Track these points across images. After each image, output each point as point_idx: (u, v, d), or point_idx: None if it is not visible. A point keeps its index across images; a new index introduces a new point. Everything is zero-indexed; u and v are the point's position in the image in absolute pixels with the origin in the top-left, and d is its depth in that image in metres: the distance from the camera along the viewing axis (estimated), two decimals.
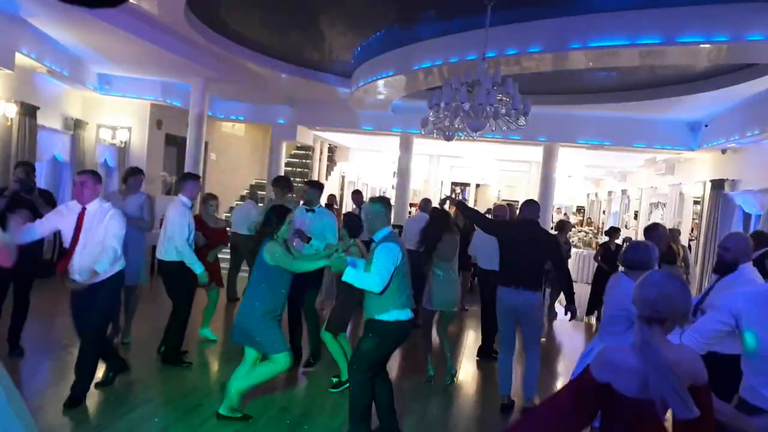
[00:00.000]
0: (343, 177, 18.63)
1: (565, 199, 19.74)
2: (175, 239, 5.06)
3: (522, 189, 18.95)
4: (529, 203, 5.15)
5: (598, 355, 1.97)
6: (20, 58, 7.40)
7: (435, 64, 7.65)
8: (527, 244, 4.81)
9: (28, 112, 7.97)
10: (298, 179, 15.67)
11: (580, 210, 20.96)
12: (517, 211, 6.49)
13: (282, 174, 13.06)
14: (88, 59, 9.33)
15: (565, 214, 19.70)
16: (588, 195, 20.59)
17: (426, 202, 8.78)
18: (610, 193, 18.15)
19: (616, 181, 17.34)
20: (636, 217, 15.15)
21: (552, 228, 12.59)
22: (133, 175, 5.71)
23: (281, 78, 10.41)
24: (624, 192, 16.60)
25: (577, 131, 11.43)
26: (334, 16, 7.79)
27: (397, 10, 7.33)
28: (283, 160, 13.80)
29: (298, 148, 16.19)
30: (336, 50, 9.23)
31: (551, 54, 6.68)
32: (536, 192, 12.63)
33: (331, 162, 17.48)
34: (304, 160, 16.12)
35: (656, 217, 13.38)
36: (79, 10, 6.69)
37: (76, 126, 9.83)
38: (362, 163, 19.20)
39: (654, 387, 1.80)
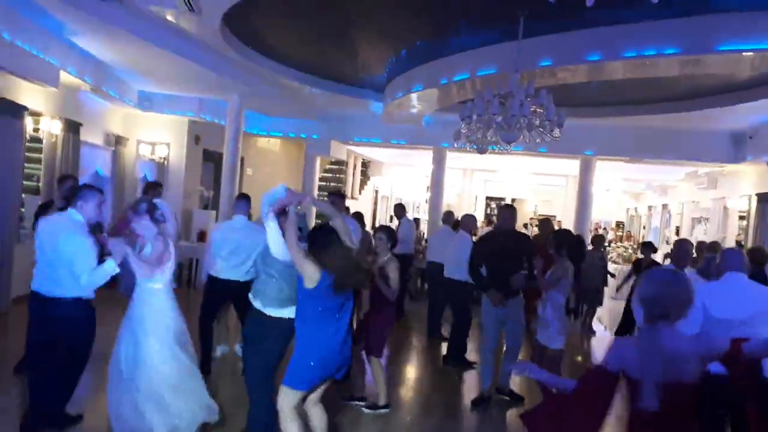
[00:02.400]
0: (376, 191, 18.67)
1: (604, 213, 19.32)
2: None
3: (558, 204, 18.63)
4: (504, 209, 5.58)
5: (609, 349, 2.33)
6: (65, 76, 7.67)
7: (468, 76, 7.62)
8: (506, 253, 5.14)
9: (72, 128, 8.24)
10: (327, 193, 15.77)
11: (619, 225, 20.47)
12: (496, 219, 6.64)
13: (315, 188, 13.18)
14: (129, 77, 9.61)
15: (605, 229, 19.27)
16: (627, 210, 20.11)
17: (448, 215, 8.67)
18: (650, 207, 17.69)
19: (656, 195, 16.90)
20: (678, 232, 14.70)
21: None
22: (152, 189, 5.84)
23: (315, 93, 10.52)
24: (665, 207, 16.15)
25: (615, 143, 11.19)
26: (367, 31, 7.85)
27: (429, 23, 7.34)
28: (317, 174, 13.91)
29: (332, 163, 16.32)
30: (369, 64, 9.29)
31: (586, 65, 6.58)
32: (573, 207, 12.38)
33: (365, 176, 17.54)
34: (337, 175, 16.23)
35: (699, 233, 12.96)
36: (119, 27, 6.92)
37: (117, 142, 10.12)
38: (396, 178, 19.21)
39: (640, 370, 2.15)
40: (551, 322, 4.65)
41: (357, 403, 4.94)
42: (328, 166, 16.43)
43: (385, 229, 5.23)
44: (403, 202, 21.08)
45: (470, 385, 5.94)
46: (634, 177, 15.57)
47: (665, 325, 2.19)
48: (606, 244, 13.91)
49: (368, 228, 14.49)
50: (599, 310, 9.44)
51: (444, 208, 12.99)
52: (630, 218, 19.91)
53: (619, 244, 16.38)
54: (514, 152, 8.83)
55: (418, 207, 20.26)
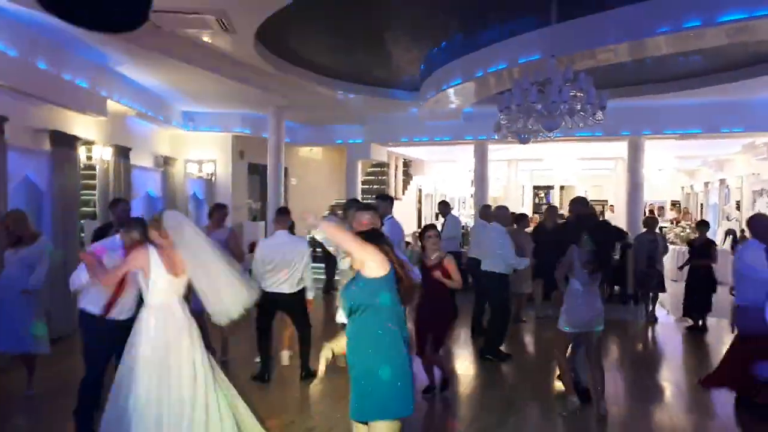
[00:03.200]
0: (420, 190, 18.60)
1: (657, 194, 18.64)
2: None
3: (609, 188, 18.09)
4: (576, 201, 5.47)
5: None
6: (112, 105, 7.98)
7: (504, 66, 7.50)
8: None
9: (122, 153, 8.56)
10: (375, 196, 15.83)
11: (675, 204, 19.72)
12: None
13: (359, 192, 13.26)
14: (173, 99, 9.92)
15: (661, 208, 18.59)
16: (683, 188, 19.34)
17: (485, 208, 8.49)
18: (706, 184, 16.95)
19: (712, 171, 16.17)
20: (738, 207, 14.03)
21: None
22: (217, 211, 5.97)
23: (351, 99, 10.59)
24: (722, 182, 15.44)
25: (663, 121, 10.79)
26: (398, 33, 7.84)
27: (459, 18, 7.27)
28: (360, 178, 13.98)
29: (373, 166, 16.37)
30: (402, 65, 9.27)
31: (627, 43, 6.37)
32: (624, 190, 12.01)
33: (407, 176, 17.52)
34: (380, 177, 16.26)
35: (761, 206, 12.33)
36: (159, 54, 7.14)
37: (165, 163, 10.45)
38: (438, 175, 19.10)
39: None
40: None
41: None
42: (369, 169, 16.49)
43: (434, 227, 5.25)
44: (447, 199, 20.97)
45: (519, 378, 5.83)
46: (688, 154, 14.95)
47: None
48: (662, 225, 13.39)
49: (414, 227, 14.49)
50: (662, 295, 9.08)
51: (490, 202, 12.84)
52: (686, 196, 19.14)
53: (674, 224, 15.78)
54: (558, 139, 8.64)
55: (464, 202, 20.06)
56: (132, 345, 3.45)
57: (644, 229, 8.89)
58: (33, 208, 7.01)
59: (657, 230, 8.91)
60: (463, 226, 10.73)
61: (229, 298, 3.48)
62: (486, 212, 8.25)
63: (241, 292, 3.50)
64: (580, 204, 5.54)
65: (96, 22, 1.01)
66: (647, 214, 12.87)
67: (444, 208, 9.40)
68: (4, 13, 5.39)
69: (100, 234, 5.35)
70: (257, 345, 5.59)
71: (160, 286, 3.49)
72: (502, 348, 6.49)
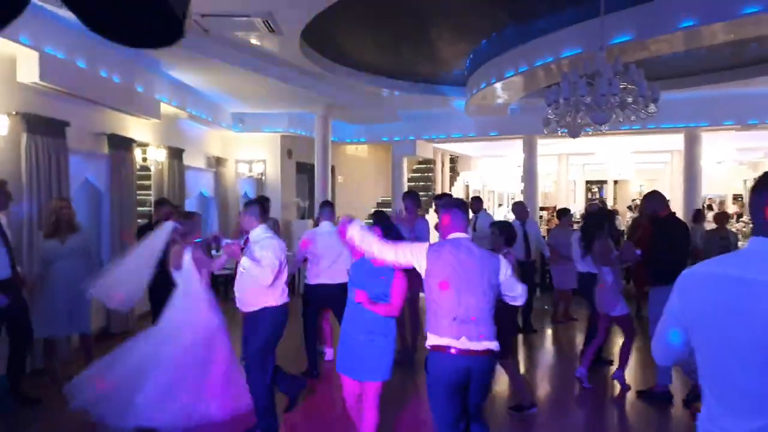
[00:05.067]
0: (467, 186, 18.45)
1: (717, 188, 17.85)
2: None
3: (665, 182, 17.45)
4: (653, 195, 5.18)
5: None
6: (165, 108, 8.26)
7: (551, 60, 7.34)
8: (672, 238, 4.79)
9: (176, 154, 8.84)
10: (422, 193, 15.81)
11: (737, 199, 18.83)
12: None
13: (405, 188, 13.26)
14: (223, 101, 10.18)
15: (721, 202, 17.80)
16: (745, 182, 18.45)
17: (517, 205, 8.26)
18: None
19: None
20: None
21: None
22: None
23: (397, 96, 10.59)
24: None
25: (722, 112, 10.32)
26: (443, 28, 7.78)
27: (505, 10, 7.15)
28: (406, 175, 13.98)
29: (419, 163, 16.34)
30: (448, 60, 9.20)
31: (682, 32, 6.11)
32: (680, 184, 11.56)
33: (454, 172, 17.41)
34: (426, 174, 16.22)
35: None
36: (209, 56, 7.34)
37: (217, 163, 10.73)
38: (486, 171, 18.88)
39: None
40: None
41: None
42: (416, 166, 16.47)
43: (498, 223, 5.09)
44: (494, 195, 20.71)
45: (598, 381, 5.70)
46: (749, 145, 14.25)
47: None
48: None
49: None
50: None
51: (540, 197, 12.60)
52: (748, 190, 18.25)
53: (737, 219, 15.06)
54: (610, 132, 8.38)
55: (512, 198, 19.77)
56: None
57: (714, 225, 8.51)
58: (93, 209, 7.34)
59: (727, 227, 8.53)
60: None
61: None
62: (517, 209, 8.07)
63: None
64: (654, 201, 5.18)
65: (138, 40, 1.05)
66: (706, 209, 12.34)
67: (476, 204, 9.08)
68: (66, 23, 5.66)
69: (142, 232, 5.57)
70: (305, 340, 5.68)
71: None
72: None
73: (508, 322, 4.75)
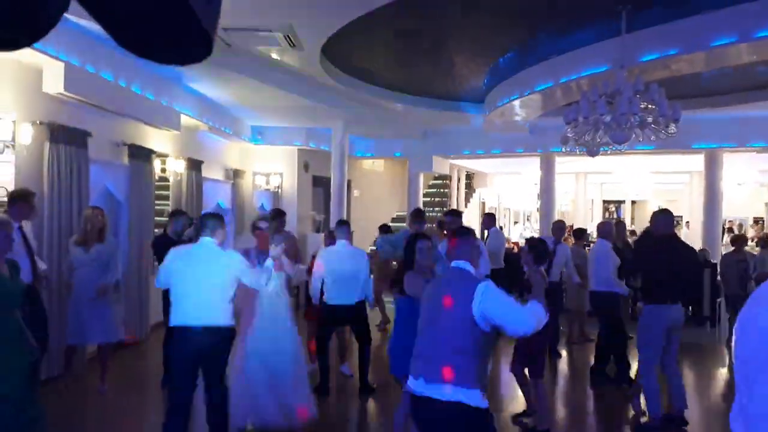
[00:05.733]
0: (483, 203, 18.38)
1: (737, 210, 17.58)
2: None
3: (684, 203, 17.23)
4: (661, 214, 4.99)
5: None
6: (185, 119, 8.36)
7: (571, 78, 7.31)
8: (673, 259, 4.67)
9: (195, 166, 8.93)
10: (437, 209, 15.78)
11: (758, 222, 18.53)
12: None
13: (419, 206, 13.25)
14: (242, 114, 10.28)
15: (740, 225, 17.53)
16: (767, 204, 18.16)
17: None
18: None
19: None
20: None
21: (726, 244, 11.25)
22: (278, 218, 6.13)
23: (414, 112, 10.62)
24: None
25: (743, 133, 10.20)
26: (462, 45, 7.81)
27: (524, 27, 7.16)
28: (422, 191, 13.96)
29: (435, 178, 16.32)
30: (466, 77, 9.22)
31: (703, 53, 6.06)
32: (700, 205, 11.41)
33: (470, 189, 17.37)
34: (442, 190, 16.20)
35: None
36: (231, 70, 7.42)
37: (235, 175, 10.82)
38: (502, 188, 18.81)
39: None
40: None
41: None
42: (431, 182, 16.46)
43: (530, 240, 5.09)
44: (510, 212, 20.60)
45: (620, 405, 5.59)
46: None
47: None
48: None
49: None
50: None
51: (557, 216, 12.50)
52: None
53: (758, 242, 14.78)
54: (629, 151, 8.32)
55: (528, 216, 19.65)
56: None
57: (732, 248, 8.36)
58: (112, 217, 7.41)
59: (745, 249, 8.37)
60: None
61: None
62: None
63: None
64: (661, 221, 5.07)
65: (168, 57, 1.06)
66: (727, 231, 12.16)
67: (488, 221, 8.82)
68: (91, 35, 5.76)
69: (159, 245, 5.59)
70: (317, 358, 5.65)
71: None
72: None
73: (538, 343, 4.67)
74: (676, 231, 7.54)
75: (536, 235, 9.03)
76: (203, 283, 3.73)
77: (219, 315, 3.74)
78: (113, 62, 6.45)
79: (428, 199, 15.47)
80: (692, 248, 5.20)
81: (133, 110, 7.07)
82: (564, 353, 7.60)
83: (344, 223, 5.87)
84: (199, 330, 3.69)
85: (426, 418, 2.57)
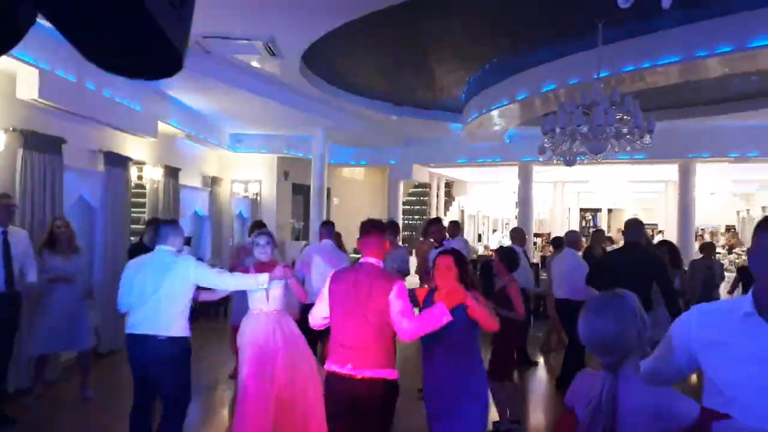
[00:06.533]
0: (462, 211, 18.49)
1: (710, 218, 17.95)
2: None
3: (660, 211, 17.54)
4: (630, 224, 5.15)
5: (574, 379, 1.87)
6: (162, 126, 8.26)
7: (549, 89, 7.41)
8: (632, 269, 4.72)
9: (172, 173, 8.82)
10: (416, 217, 15.82)
11: (729, 230, 18.93)
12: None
13: (399, 214, 13.27)
14: (221, 121, 10.21)
15: (712, 233, 17.88)
16: (738, 213, 18.58)
17: (518, 232, 8.02)
18: (764, 208, 16.25)
19: None
20: None
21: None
22: (257, 228, 6.10)
23: (395, 120, 10.65)
24: None
25: (716, 144, 10.43)
26: (443, 54, 7.86)
27: (504, 39, 7.25)
28: (401, 199, 13.99)
29: (415, 187, 16.38)
30: (446, 87, 9.28)
31: (677, 65, 6.19)
32: (675, 214, 11.62)
33: (449, 197, 17.45)
34: (421, 198, 16.26)
35: None
36: (209, 77, 7.37)
37: (213, 183, 10.72)
38: (481, 196, 18.95)
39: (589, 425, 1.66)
40: None
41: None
42: (411, 190, 16.50)
43: (499, 249, 5.15)
44: (489, 220, 20.74)
45: None
46: (743, 177, 14.39)
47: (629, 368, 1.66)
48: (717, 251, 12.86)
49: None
50: None
51: (535, 224, 12.64)
52: (741, 221, 18.37)
53: (730, 250, 15.11)
54: (605, 161, 8.44)
55: (507, 224, 19.80)
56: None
57: (700, 255, 8.52)
58: (86, 225, 7.29)
59: (713, 257, 8.52)
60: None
61: None
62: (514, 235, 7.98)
63: None
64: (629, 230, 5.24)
65: (136, 72, 1.05)
66: (699, 240, 12.40)
67: (453, 229, 8.40)
68: (66, 40, 5.68)
69: (135, 253, 5.53)
70: None
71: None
72: None
73: (504, 347, 4.72)
74: (649, 239, 7.68)
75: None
76: (152, 293, 3.65)
77: (167, 326, 3.64)
78: (89, 69, 6.26)
79: (408, 207, 15.51)
80: (652, 254, 5.32)
81: (109, 117, 6.97)
82: (541, 360, 7.64)
83: (329, 224, 5.87)
84: (143, 339, 3.64)
85: (362, 395, 2.93)
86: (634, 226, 5.08)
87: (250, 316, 4.07)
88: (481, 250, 14.53)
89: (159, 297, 3.64)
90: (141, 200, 8.62)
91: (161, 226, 3.95)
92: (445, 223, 8.03)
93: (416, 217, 15.94)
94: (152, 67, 0.98)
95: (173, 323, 3.66)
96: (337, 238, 6.48)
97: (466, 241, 8.65)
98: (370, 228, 3.13)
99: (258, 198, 11.98)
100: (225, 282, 3.96)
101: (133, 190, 8.02)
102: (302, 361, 4.03)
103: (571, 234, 6.95)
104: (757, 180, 14.86)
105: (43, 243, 5.22)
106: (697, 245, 12.02)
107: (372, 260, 3.07)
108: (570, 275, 6.25)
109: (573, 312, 6.37)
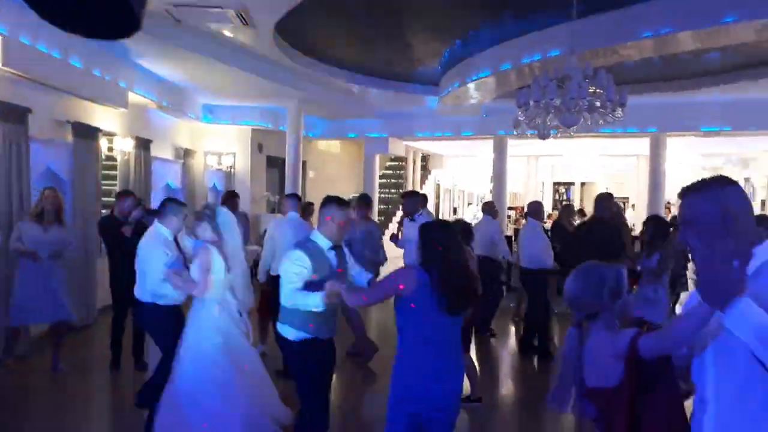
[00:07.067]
0: (438, 185, 18.56)
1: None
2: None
3: (632, 185, 17.86)
4: (597, 199, 5.42)
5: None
6: (133, 97, 8.08)
7: (524, 62, 7.42)
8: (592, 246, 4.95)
9: (143, 145, 8.66)
10: (393, 190, 15.85)
11: None
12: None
13: (375, 188, 13.28)
14: (193, 92, 10.01)
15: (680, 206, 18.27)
16: None
17: (490, 205, 7.93)
18: None
19: (737, 169, 15.88)
20: (763, 206, 13.78)
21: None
22: (230, 199, 6.06)
23: (371, 93, 10.57)
24: (747, 180, 15.15)
25: (687, 118, 10.60)
26: (419, 27, 7.80)
27: (481, 12, 7.21)
28: (378, 173, 13.97)
29: (391, 160, 16.37)
30: (422, 60, 9.23)
31: (651, 39, 6.24)
32: (646, 187, 11.85)
33: (425, 171, 17.49)
34: (398, 171, 16.27)
35: None
36: (180, 47, 7.20)
37: (185, 155, 10.55)
38: (457, 170, 19.04)
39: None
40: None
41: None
42: (388, 164, 16.50)
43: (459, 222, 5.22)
44: (464, 194, 20.87)
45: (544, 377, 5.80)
46: (712, 151, 14.71)
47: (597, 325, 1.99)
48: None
49: None
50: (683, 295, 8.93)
51: (509, 198, 12.76)
52: None
53: None
54: (578, 135, 8.53)
55: (482, 198, 19.96)
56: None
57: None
58: None
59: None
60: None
61: (242, 294, 3.88)
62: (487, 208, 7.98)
63: (249, 290, 3.99)
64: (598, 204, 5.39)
65: (94, 31, 1.04)
66: (667, 212, 12.69)
67: (411, 203, 8.08)
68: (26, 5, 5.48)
69: (105, 226, 5.48)
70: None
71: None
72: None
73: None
74: (620, 211, 7.83)
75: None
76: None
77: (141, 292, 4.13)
78: (56, 36, 6.15)
79: (384, 180, 15.52)
80: (612, 227, 5.50)
81: (78, 87, 6.78)
82: (513, 329, 7.80)
83: (293, 196, 5.81)
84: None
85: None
86: (600, 201, 5.23)
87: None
88: None
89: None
90: (112, 173, 8.46)
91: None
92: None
93: (393, 190, 15.97)
94: (108, 26, 0.97)
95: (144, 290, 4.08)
96: (309, 210, 6.47)
97: (430, 213, 8.70)
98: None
99: (232, 171, 11.85)
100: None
101: (103, 162, 7.86)
102: None
103: (531, 204, 6.98)
104: (724, 154, 15.19)
105: (35, 214, 5.18)
106: (668, 218, 12.29)
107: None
108: (528, 245, 6.45)
109: (533, 280, 6.60)
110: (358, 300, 2.96)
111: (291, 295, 3.05)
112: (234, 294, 3.83)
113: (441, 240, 2.71)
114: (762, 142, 12.62)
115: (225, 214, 3.80)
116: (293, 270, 3.06)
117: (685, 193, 1.64)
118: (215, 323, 3.66)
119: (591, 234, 5.33)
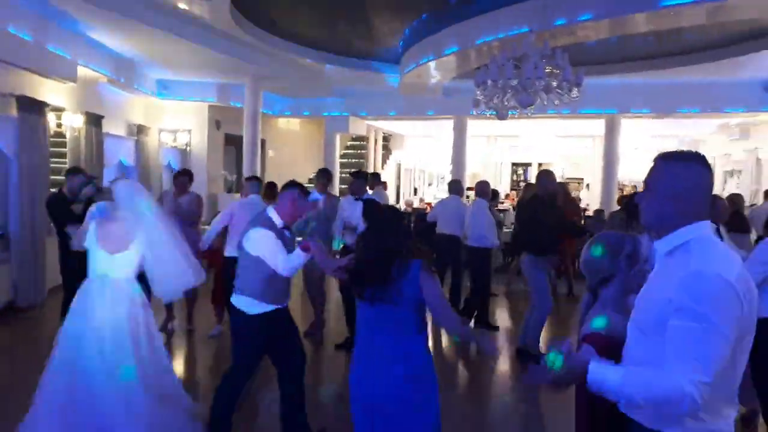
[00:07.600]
0: (399, 165, 18.58)
1: (634, 173, 18.88)
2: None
3: (587, 166, 18.25)
4: (537, 176, 5.49)
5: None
6: (82, 71, 7.76)
7: (484, 41, 7.45)
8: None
9: (94, 121, 8.35)
10: (354, 170, 15.76)
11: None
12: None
13: (336, 167, 13.16)
14: (147, 67, 9.69)
15: (634, 187, 18.84)
16: None
17: (454, 183, 7.83)
18: None
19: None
20: None
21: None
22: (180, 177, 5.95)
23: (331, 70, 10.45)
24: None
25: (639, 100, 10.87)
26: (379, 4, 7.71)
27: None
28: (338, 152, 13.88)
29: (353, 140, 16.27)
30: (383, 38, 9.15)
31: (607, 20, 6.35)
32: (601, 168, 12.13)
33: (387, 151, 17.46)
34: (359, 151, 16.18)
35: (731, 187, 12.57)
36: (133, 19, 6.94)
37: (139, 131, 10.23)
38: (418, 150, 19.07)
39: None
40: None
41: None
42: (349, 143, 16.39)
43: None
44: (425, 174, 20.97)
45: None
46: (665, 133, 15.14)
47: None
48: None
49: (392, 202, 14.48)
50: None
51: (468, 178, 12.87)
52: None
53: None
54: (536, 116, 8.65)
55: (442, 178, 20.09)
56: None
57: (618, 207, 8.98)
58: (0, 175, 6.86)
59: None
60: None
61: (174, 279, 3.44)
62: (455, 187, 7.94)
63: (187, 274, 3.46)
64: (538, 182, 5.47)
65: None
66: (619, 192, 13.04)
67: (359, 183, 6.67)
68: None
69: (53, 204, 5.28)
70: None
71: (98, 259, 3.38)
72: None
73: None
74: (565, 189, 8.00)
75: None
76: None
77: None
78: None
79: (345, 160, 15.41)
80: (553, 208, 5.58)
81: (22, 58, 6.46)
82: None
83: (254, 179, 5.74)
84: None
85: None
86: (539, 179, 5.35)
87: None
88: (416, 203, 14.72)
89: None
90: (62, 150, 8.15)
91: None
92: (386, 176, 8.03)
93: (354, 170, 15.88)
94: None
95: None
96: (271, 190, 6.34)
97: (383, 193, 8.74)
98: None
99: (188, 148, 11.58)
100: None
101: (52, 139, 7.55)
102: None
103: (479, 184, 6.87)
104: (676, 136, 15.66)
105: None
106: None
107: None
108: (474, 223, 6.49)
109: (477, 258, 6.69)
110: (333, 265, 2.86)
111: (286, 262, 3.20)
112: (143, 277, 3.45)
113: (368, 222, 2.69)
114: (710, 125, 13.07)
115: (121, 190, 3.41)
116: (273, 242, 3.22)
117: (656, 158, 1.77)
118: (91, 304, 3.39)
119: (540, 215, 5.33)
